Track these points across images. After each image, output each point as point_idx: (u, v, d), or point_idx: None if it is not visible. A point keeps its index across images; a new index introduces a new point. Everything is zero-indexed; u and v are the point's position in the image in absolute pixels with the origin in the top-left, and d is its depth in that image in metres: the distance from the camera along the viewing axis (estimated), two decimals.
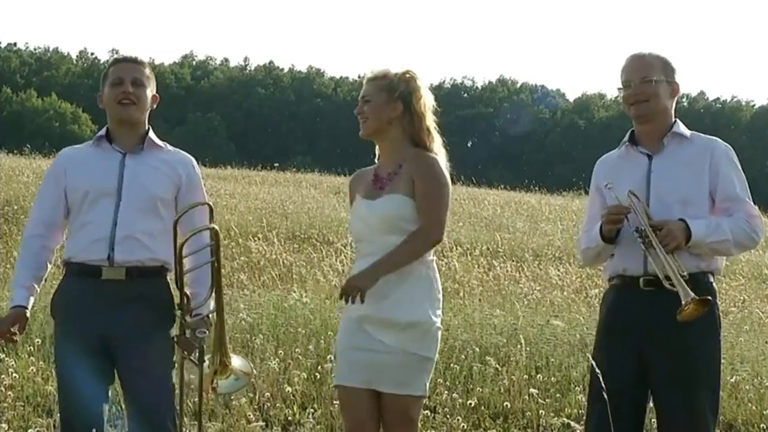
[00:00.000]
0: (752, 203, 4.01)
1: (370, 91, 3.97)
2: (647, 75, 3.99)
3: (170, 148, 4.12)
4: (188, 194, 4.03)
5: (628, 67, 4.05)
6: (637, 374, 3.88)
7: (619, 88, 4.08)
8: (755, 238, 3.97)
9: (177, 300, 3.91)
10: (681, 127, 4.04)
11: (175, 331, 3.93)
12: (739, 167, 4.03)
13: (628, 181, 3.99)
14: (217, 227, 3.91)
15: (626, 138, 4.11)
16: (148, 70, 4.08)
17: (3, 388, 5.68)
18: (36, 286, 4.03)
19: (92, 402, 3.90)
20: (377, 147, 4.05)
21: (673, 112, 4.07)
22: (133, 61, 4.08)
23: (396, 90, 3.94)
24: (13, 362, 6.10)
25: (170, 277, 4.03)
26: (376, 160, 4.07)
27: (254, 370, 4.25)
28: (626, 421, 3.88)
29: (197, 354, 3.86)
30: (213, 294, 3.90)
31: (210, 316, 3.94)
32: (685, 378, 3.85)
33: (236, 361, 3.98)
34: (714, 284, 3.99)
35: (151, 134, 4.07)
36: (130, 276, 3.90)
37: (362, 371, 3.86)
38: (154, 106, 4.10)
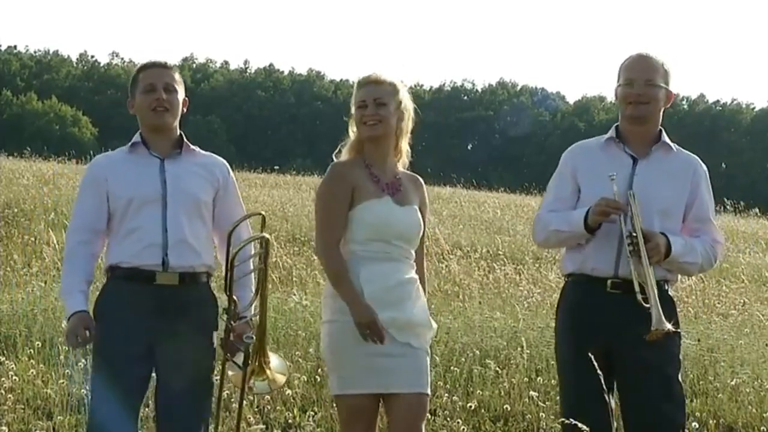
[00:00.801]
0: (717, 227, 4.12)
1: (383, 94, 3.97)
2: (652, 78, 3.99)
3: (203, 151, 4.13)
4: (226, 197, 4.08)
5: (634, 66, 4.04)
6: (604, 366, 3.82)
7: (619, 85, 4.06)
8: (713, 264, 4.12)
9: (222, 304, 3.96)
10: (666, 137, 4.07)
11: (219, 334, 3.95)
12: (710, 189, 4.13)
13: (606, 179, 3.96)
14: (268, 236, 3.97)
15: (612, 133, 4.09)
16: (177, 75, 4.08)
17: (3, 391, 5.67)
18: (88, 293, 3.98)
19: (126, 413, 3.89)
20: (365, 146, 4.01)
21: (660, 119, 4.09)
22: (163, 66, 4.07)
23: (401, 101, 4.01)
24: (13, 365, 6.09)
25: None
26: (345, 156, 4.06)
27: (288, 371, 4.37)
28: (598, 403, 3.79)
29: (241, 357, 3.91)
30: (258, 298, 3.95)
31: (252, 319, 3.97)
32: (658, 376, 3.94)
33: (274, 360, 4.04)
34: (671, 293, 4.07)
35: (185, 139, 4.08)
36: (183, 281, 3.92)
37: (379, 377, 3.87)
38: (185, 110, 4.10)
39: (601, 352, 3.82)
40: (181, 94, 4.04)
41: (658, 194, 3.96)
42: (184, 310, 3.90)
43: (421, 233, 4.05)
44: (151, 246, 3.90)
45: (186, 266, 3.93)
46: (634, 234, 3.86)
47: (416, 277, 4.03)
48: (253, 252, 4.03)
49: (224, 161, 4.16)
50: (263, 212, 4.10)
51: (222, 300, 4.00)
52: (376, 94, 3.96)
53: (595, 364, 3.63)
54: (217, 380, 4.02)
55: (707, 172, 4.13)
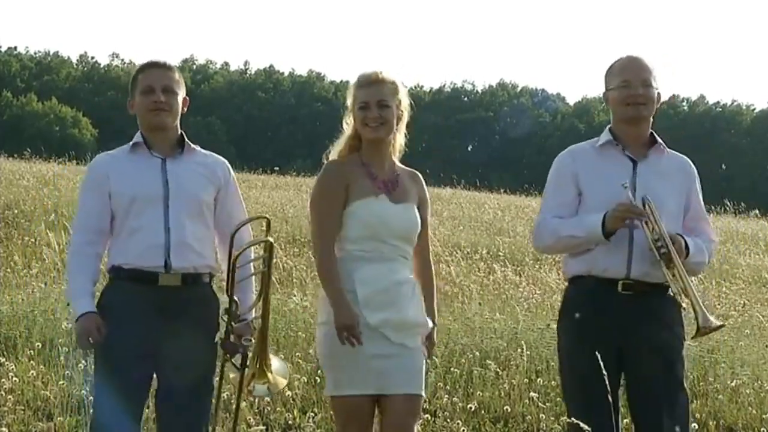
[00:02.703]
0: (711, 225, 4.19)
1: (385, 95, 3.95)
2: (647, 79, 4.01)
3: (204, 150, 4.13)
4: (227, 197, 4.08)
5: (630, 67, 4.04)
6: (615, 367, 3.89)
7: (612, 88, 4.06)
8: (708, 264, 4.17)
9: (224, 305, 3.94)
10: (659, 139, 4.09)
11: (220, 335, 3.94)
12: (701, 187, 4.18)
13: (611, 183, 3.98)
14: (272, 240, 3.95)
15: (608, 136, 4.09)
16: (177, 75, 4.07)
17: (3, 392, 5.67)
18: (94, 293, 3.97)
19: (129, 416, 3.88)
20: (363, 144, 4.00)
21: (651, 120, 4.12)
22: (163, 67, 4.05)
23: (400, 100, 4.00)
24: (13, 366, 6.09)
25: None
26: (340, 152, 4.04)
27: (289, 374, 4.34)
28: (605, 404, 3.83)
29: (240, 359, 3.92)
30: (260, 301, 3.95)
31: (253, 321, 3.97)
32: (665, 373, 3.94)
33: (275, 363, 4.03)
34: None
35: (186, 138, 4.07)
36: (185, 282, 3.92)
37: (374, 378, 3.87)
38: (185, 110, 4.09)
39: (612, 353, 3.85)
40: (180, 95, 4.04)
41: (663, 196, 3.98)
42: (187, 310, 3.90)
43: (419, 230, 4.02)
44: (153, 247, 3.89)
45: (188, 267, 3.92)
46: (663, 238, 3.86)
47: (412, 276, 4.02)
48: (254, 255, 4.04)
49: (225, 160, 4.16)
50: (268, 216, 4.08)
51: (224, 301, 3.99)
52: (379, 95, 3.93)
53: (610, 365, 3.71)
54: (217, 381, 4.02)
55: (696, 170, 4.18)
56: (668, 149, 4.12)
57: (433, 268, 4.15)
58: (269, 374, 3.96)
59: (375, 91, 3.93)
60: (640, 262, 3.93)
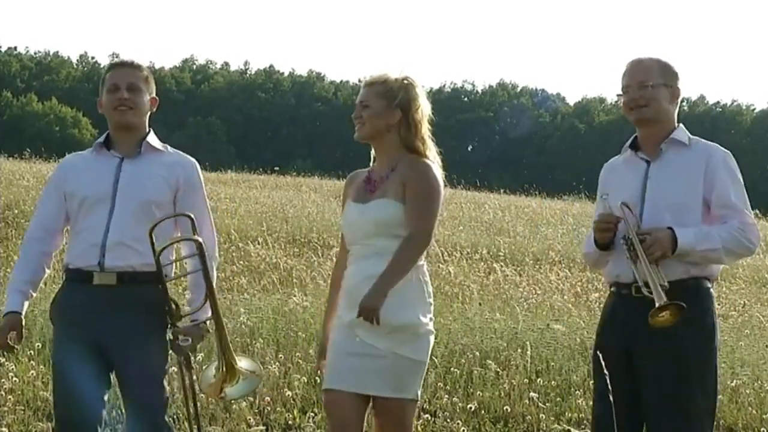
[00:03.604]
0: (749, 211, 3.98)
1: (368, 96, 3.99)
2: (645, 80, 3.99)
3: (171, 150, 4.11)
4: (187, 196, 4.03)
5: (628, 72, 4.05)
6: (628, 375, 3.88)
7: (618, 95, 4.09)
8: (750, 246, 3.93)
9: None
10: (680, 133, 4.03)
11: (169, 336, 3.93)
12: (738, 174, 4.00)
13: (626, 188, 4.01)
14: (200, 239, 3.89)
15: (628, 143, 4.12)
16: (145, 73, 4.07)
17: (3, 392, 5.68)
18: (32, 291, 4.04)
19: (88, 408, 3.90)
20: (373, 150, 4.09)
21: (675, 116, 4.07)
22: (129, 66, 4.08)
23: (395, 97, 3.97)
24: (13, 366, 6.10)
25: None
26: (371, 163, 4.11)
27: (263, 370, 4.29)
28: (624, 418, 3.87)
29: (185, 360, 3.93)
30: (208, 302, 3.91)
31: (207, 322, 3.96)
32: (674, 376, 3.84)
33: (243, 363, 3.98)
34: (711, 289, 3.97)
35: (150, 138, 4.06)
36: (122, 281, 3.91)
37: (354, 376, 3.87)
38: (154, 109, 4.10)
39: (623, 358, 3.89)
40: (147, 94, 4.04)
41: (670, 191, 3.94)
42: (126, 309, 3.89)
43: (391, 220, 3.89)
44: (91, 247, 3.91)
45: (124, 266, 3.90)
46: (629, 237, 3.88)
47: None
48: (178, 255, 4.01)
49: (192, 160, 4.11)
50: (191, 215, 3.92)
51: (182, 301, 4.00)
52: (362, 96, 4.01)
53: (606, 367, 3.74)
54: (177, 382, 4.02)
55: (728, 157, 3.99)
56: (695, 140, 4.02)
57: (404, 247, 3.85)
58: (239, 372, 3.91)
59: (362, 92, 4.03)
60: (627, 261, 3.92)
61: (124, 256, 3.90)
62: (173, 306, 3.89)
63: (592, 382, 4.35)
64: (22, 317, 3.98)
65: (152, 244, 3.83)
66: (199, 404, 4.30)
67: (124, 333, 3.87)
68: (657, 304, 3.69)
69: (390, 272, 3.81)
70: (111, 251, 3.89)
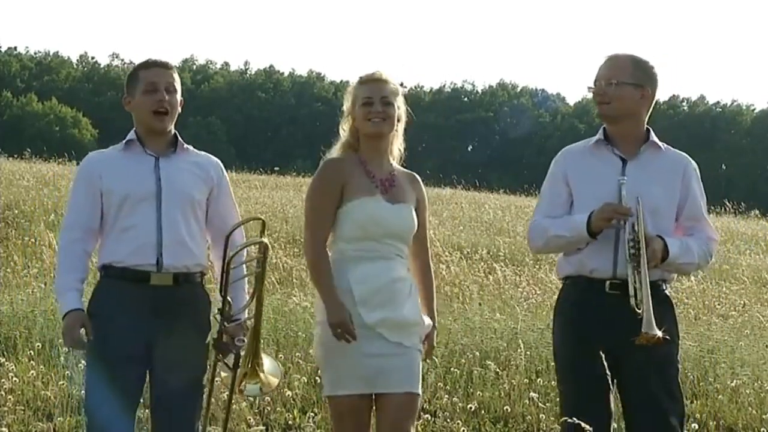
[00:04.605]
0: (710, 224, 4.11)
1: (388, 93, 3.97)
2: (612, 77, 3.98)
3: (197, 150, 4.12)
4: (220, 197, 4.06)
5: (601, 66, 4.06)
6: (605, 366, 3.85)
7: (589, 87, 4.08)
8: (709, 261, 4.12)
9: (217, 304, 3.95)
10: (655, 137, 4.05)
11: (212, 335, 3.93)
12: (702, 186, 4.11)
13: (599, 181, 3.99)
14: (267, 241, 3.96)
15: (600, 135, 4.09)
16: (176, 74, 4.06)
17: (3, 392, 5.68)
18: (82, 291, 3.95)
19: (123, 413, 3.87)
20: (362, 143, 4.01)
21: (644, 118, 4.05)
22: (165, 66, 4.04)
23: (400, 104, 4.02)
24: (13, 366, 6.10)
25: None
26: (340, 152, 4.05)
27: (283, 375, 4.34)
28: (598, 403, 3.90)
29: (232, 359, 3.92)
30: (253, 302, 3.96)
31: (246, 322, 3.98)
32: (654, 364, 3.92)
33: (267, 363, 4.00)
34: (668, 293, 4.07)
35: (179, 137, 4.07)
36: (177, 282, 3.90)
37: (369, 377, 3.87)
38: (180, 110, 4.07)
39: (603, 353, 3.82)
40: (179, 95, 4.04)
41: (649, 194, 3.94)
42: (179, 310, 3.89)
43: (414, 231, 4.01)
44: (145, 245, 3.87)
45: (180, 266, 3.91)
46: (638, 240, 3.86)
47: (408, 275, 4.02)
48: (246, 256, 4.03)
49: (218, 161, 4.14)
50: (262, 217, 4.08)
51: (217, 301, 3.98)
52: (383, 92, 3.96)
53: (605, 363, 3.68)
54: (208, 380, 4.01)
55: (698, 170, 4.10)
56: (667, 147, 4.08)
57: (432, 270, 4.16)
58: (261, 374, 3.95)
59: (379, 87, 3.96)
60: (627, 264, 3.91)
61: (180, 256, 3.90)
62: (228, 307, 3.89)
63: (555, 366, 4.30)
64: (85, 312, 3.88)
65: (226, 248, 3.88)
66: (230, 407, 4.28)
67: (173, 334, 3.84)
68: (648, 332, 3.75)
69: (433, 296, 4.14)
70: (168, 250, 3.87)
